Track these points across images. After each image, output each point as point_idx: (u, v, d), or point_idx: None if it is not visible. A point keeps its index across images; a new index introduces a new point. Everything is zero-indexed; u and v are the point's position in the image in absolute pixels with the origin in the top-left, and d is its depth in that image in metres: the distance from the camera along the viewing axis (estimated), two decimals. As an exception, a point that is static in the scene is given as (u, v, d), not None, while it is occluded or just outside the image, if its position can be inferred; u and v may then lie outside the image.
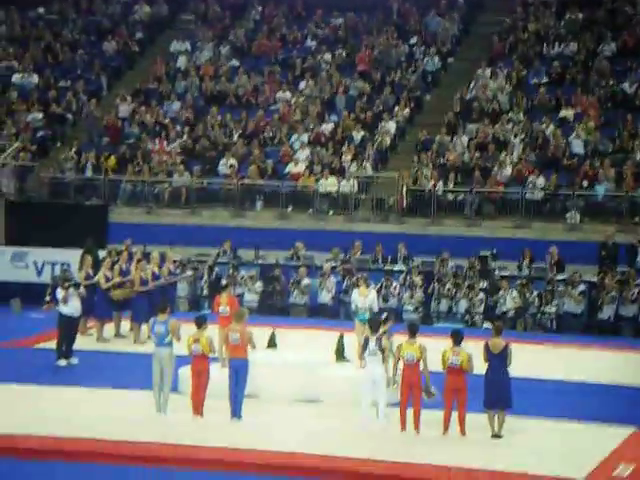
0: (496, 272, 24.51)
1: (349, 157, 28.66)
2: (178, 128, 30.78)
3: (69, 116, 32.14)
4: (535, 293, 23.54)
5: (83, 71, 33.85)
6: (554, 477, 12.89)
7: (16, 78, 33.42)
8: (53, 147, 31.80)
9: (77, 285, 19.59)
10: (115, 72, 34.12)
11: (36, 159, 30.80)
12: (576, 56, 30.55)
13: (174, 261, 22.84)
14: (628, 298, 22.85)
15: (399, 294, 24.16)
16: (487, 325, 21.99)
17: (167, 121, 31.11)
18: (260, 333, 16.85)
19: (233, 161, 29.04)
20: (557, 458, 13.69)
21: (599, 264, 24.40)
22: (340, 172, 28.30)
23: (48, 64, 34.28)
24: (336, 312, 24.56)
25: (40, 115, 31.94)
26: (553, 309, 23.29)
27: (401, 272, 24.78)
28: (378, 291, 22.77)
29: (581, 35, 31.09)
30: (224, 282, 20.09)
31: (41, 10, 36.41)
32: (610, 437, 14.63)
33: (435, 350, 14.68)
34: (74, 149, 30.43)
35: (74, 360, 18.93)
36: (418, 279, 24.25)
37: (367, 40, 32.41)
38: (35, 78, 33.38)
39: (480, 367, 14.67)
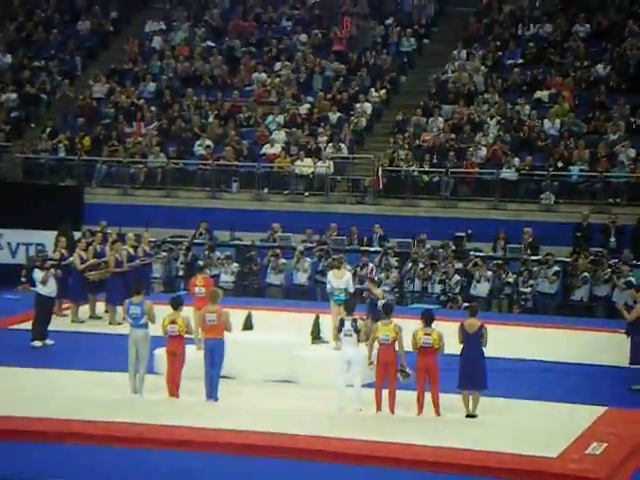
0: (471, 253, 24.60)
1: (325, 138, 28.67)
2: (153, 109, 30.67)
3: (43, 96, 31.96)
4: (511, 274, 23.66)
5: (57, 51, 33.65)
6: (527, 456, 13.00)
7: (-11, 58, 33.21)
8: (27, 128, 31.62)
9: (55, 266, 19.55)
10: (89, 52, 33.93)
11: (10, 139, 30.63)
12: (551, 37, 30.64)
13: (149, 242, 22.79)
14: (601, 278, 23.02)
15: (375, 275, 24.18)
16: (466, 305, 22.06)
17: (142, 102, 30.99)
18: (236, 314, 16.89)
19: (209, 142, 28.98)
20: (530, 437, 13.81)
21: (573, 245, 24.56)
22: (316, 153, 28.31)
23: (22, 44, 34.02)
24: (312, 293, 24.59)
25: (14, 95, 31.75)
26: (529, 289, 23.41)
27: (377, 253, 24.82)
28: (354, 273, 22.81)
29: (556, 16, 31.16)
30: (200, 263, 20.03)
31: (14, -11, 36.16)
32: (583, 416, 14.75)
33: (410, 331, 14.75)
34: (48, 130, 30.27)
35: (49, 341, 18.90)
36: (393, 260, 24.31)
37: (343, 21, 32.33)
38: (9, 58, 33.16)
39: (456, 347, 14.76)
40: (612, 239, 24.60)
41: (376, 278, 23.89)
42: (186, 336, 15.44)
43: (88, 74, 32.85)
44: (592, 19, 30.72)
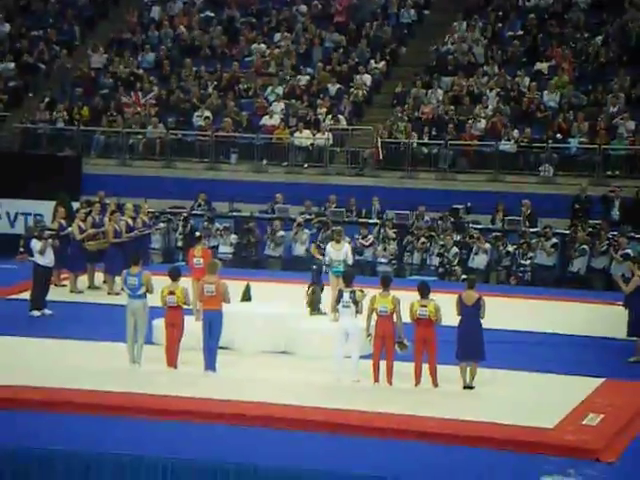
0: (470, 225, 24.61)
1: (324, 110, 28.58)
2: (152, 79, 30.56)
3: (41, 66, 31.83)
4: (509, 246, 23.68)
5: (55, 20, 33.48)
6: (524, 426, 13.06)
7: (-14, 27, 33.09)
8: (25, 97, 31.51)
9: (54, 236, 19.57)
10: (88, 22, 33.74)
11: (8, 109, 30.54)
12: (551, 8, 30.49)
13: (148, 212, 22.79)
14: (598, 250, 23.05)
15: (372, 246, 24.24)
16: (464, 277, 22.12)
17: (141, 72, 30.87)
18: (234, 286, 16.91)
19: (207, 113, 28.89)
20: (527, 408, 13.87)
21: (572, 217, 24.56)
22: (315, 125, 28.23)
23: (20, 12, 33.85)
24: (311, 264, 24.55)
25: (12, 65, 31.63)
26: (528, 262, 23.44)
27: (375, 225, 24.84)
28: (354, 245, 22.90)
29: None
30: (198, 234, 20.05)
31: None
32: (580, 388, 14.81)
33: (408, 303, 14.79)
34: (47, 100, 30.18)
35: (48, 311, 18.94)
36: (391, 232, 24.33)
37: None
38: (7, 27, 32.99)
39: (454, 319, 14.79)
40: (614, 212, 24.58)
41: (378, 248, 24.09)
42: (185, 307, 15.47)
43: (87, 44, 32.70)
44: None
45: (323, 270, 18.19)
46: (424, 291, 14.69)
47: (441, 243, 23.85)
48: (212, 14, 32.80)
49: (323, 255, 18.32)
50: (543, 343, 17.57)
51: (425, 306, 14.56)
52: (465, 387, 14.71)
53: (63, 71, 31.53)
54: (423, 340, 14.59)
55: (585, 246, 23.17)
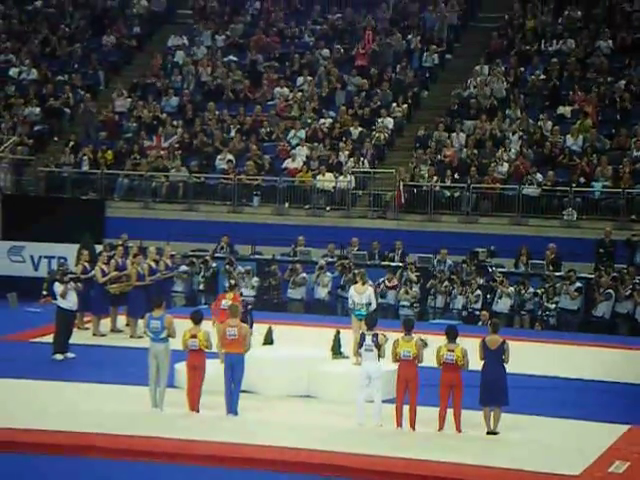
0: (493, 269, 24.52)
1: (346, 153, 28.67)
2: (175, 123, 30.76)
3: (66, 110, 32.12)
4: (532, 290, 23.57)
5: (80, 65, 33.83)
6: (549, 474, 12.90)
7: (13, 72, 33.45)
8: (50, 141, 31.77)
9: (76, 279, 19.62)
10: (112, 67, 34.08)
11: (33, 153, 30.80)
12: (573, 52, 30.56)
13: (171, 256, 22.83)
14: (623, 294, 22.88)
15: (395, 289, 24.18)
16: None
17: (164, 116, 31.09)
18: (257, 329, 16.88)
19: (230, 157, 29.03)
20: (553, 455, 13.71)
21: (596, 261, 24.42)
22: (337, 168, 28.31)
23: (45, 58, 34.25)
24: (333, 308, 24.56)
25: (37, 109, 31.94)
26: (553, 306, 23.31)
27: (398, 268, 24.79)
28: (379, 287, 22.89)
29: (579, 32, 31.10)
30: (233, 282, 19.95)
31: (39, 3, 36.40)
32: (606, 434, 14.64)
33: (431, 346, 14.71)
34: (71, 143, 30.42)
35: (70, 354, 18.94)
36: (413, 275, 24.26)
37: (365, 36, 32.36)
38: (33, 72, 33.37)
39: (477, 364, 14.69)
40: (639, 256, 24.39)
41: (400, 291, 24.07)
42: (207, 350, 15.42)
43: (111, 88, 33.00)
44: (615, 35, 30.63)
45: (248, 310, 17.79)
46: (451, 335, 14.59)
47: (464, 287, 23.71)
48: (235, 58, 33.05)
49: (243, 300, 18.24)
50: (567, 388, 17.40)
51: (452, 351, 14.45)
52: (489, 433, 14.56)
53: (87, 115, 31.79)
54: (449, 385, 14.47)
55: (610, 290, 23.02)
